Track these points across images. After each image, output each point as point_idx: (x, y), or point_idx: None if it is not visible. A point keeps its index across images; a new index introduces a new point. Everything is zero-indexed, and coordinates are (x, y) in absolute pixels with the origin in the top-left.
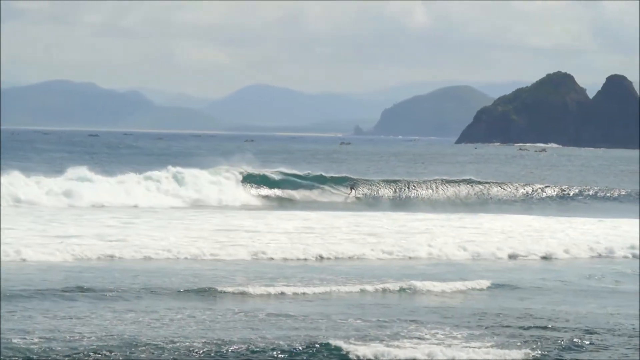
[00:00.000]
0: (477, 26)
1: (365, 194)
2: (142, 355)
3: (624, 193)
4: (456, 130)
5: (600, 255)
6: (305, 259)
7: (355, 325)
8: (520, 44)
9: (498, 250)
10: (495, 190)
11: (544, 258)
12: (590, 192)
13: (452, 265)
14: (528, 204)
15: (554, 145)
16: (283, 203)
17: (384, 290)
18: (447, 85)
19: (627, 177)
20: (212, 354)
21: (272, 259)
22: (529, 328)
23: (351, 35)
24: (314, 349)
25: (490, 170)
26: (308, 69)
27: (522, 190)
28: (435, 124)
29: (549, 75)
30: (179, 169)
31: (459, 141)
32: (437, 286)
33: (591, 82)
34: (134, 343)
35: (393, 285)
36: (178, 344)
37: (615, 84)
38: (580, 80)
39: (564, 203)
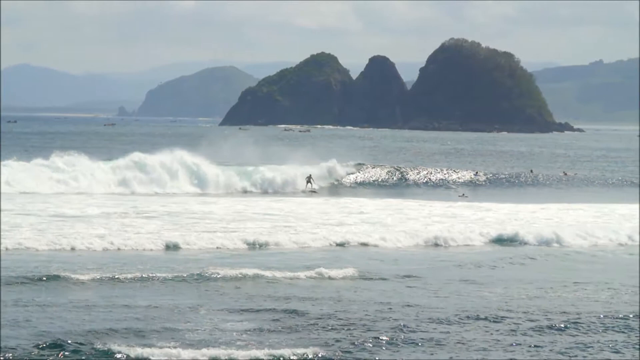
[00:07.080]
0: (242, 6)
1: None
2: None
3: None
4: (222, 111)
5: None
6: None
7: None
8: (286, 24)
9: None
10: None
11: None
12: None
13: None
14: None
15: (319, 125)
16: None
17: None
18: (213, 66)
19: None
20: None
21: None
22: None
23: (116, 14)
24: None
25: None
26: (72, 49)
27: None
28: (201, 104)
29: (313, 56)
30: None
31: (223, 122)
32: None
33: (354, 63)
34: None
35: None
36: None
37: (378, 64)
38: (344, 61)
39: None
